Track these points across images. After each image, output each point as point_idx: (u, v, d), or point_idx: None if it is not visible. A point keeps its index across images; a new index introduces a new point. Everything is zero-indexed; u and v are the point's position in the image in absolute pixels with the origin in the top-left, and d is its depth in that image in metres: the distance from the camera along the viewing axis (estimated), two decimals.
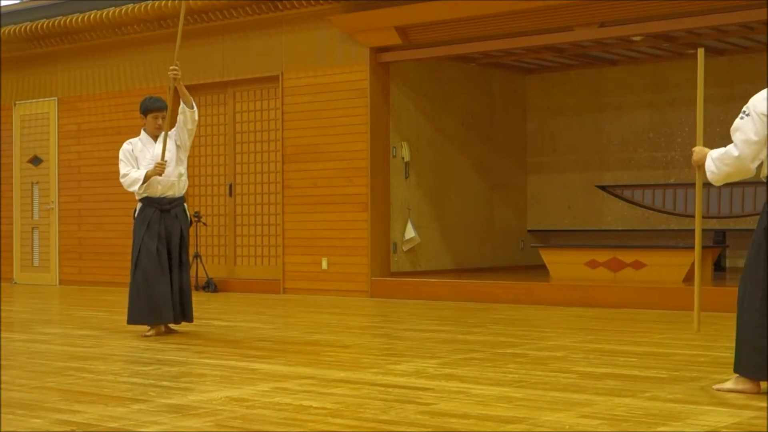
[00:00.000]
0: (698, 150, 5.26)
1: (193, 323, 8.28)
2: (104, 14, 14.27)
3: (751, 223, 12.85)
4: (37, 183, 15.77)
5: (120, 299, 12.37)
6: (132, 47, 14.55)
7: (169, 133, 8.14)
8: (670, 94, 14.04)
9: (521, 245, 15.05)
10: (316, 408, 4.72)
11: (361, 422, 4.38)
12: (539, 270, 13.09)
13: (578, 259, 11.86)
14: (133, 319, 7.97)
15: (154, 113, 8.10)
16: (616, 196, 14.46)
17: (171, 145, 8.11)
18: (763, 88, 5.10)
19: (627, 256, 11.50)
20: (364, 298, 12.12)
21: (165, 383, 5.58)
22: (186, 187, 8.25)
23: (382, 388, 5.28)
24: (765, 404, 4.71)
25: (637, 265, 11.38)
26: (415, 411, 4.60)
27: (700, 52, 5.43)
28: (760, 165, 4.97)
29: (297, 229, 12.90)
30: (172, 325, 8.10)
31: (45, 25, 14.94)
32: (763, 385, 5.00)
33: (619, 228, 14.45)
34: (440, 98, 13.64)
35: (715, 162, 5.06)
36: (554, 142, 15.07)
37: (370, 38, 12.27)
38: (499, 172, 14.72)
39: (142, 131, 8.21)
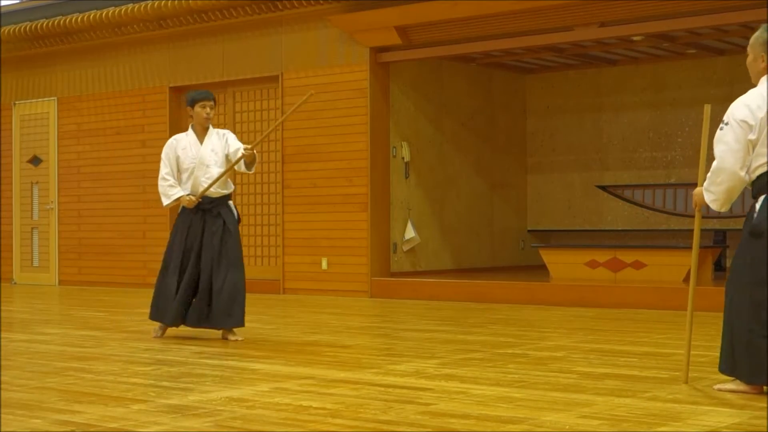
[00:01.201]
0: (696, 192, 5.28)
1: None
2: (104, 14, 14.26)
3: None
4: (37, 183, 15.76)
5: (120, 299, 12.38)
6: (132, 47, 14.55)
7: (230, 135, 7.88)
8: (670, 94, 14.03)
9: (521, 245, 15.05)
10: (315, 408, 4.72)
11: (361, 422, 4.37)
12: (539, 270, 13.09)
13: (578, 259, 11.86)
14: (156, 317, 7.84)
15: (202, 102, 7.76)
16: (616, 196, 14.45)
17: (219, 149, 7.79)
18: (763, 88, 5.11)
19: (627, 256, 11.49)
20: (364, 298, 12.12)
21: (165, 383, 5.58)
22: (231, 185, 7.97)
23: (382, 389, 5.27)
24: (765, 404, 4.71)
25: (638, 265, 11.38)
26: (415, 411, 4.59)
27: (707, 108, 5.44)
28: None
29: (297, 229, 12.89)
30: (229, 334, 7.70)
31: (45, 25, 14.94)
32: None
33: (620, 228, 14.45)
34: (440, 98, 13.64)
35: (710, 188, 5.07)
36: (554, 142, 15.07)
37: (370, 38, 12.27)
38: (499, 171, 14.72)
39: (190, 127, 7.90)
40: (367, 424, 4.35)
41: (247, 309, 7.84)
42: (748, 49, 5.19)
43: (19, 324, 9.31)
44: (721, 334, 5.13)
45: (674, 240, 13.64)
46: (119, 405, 4.83)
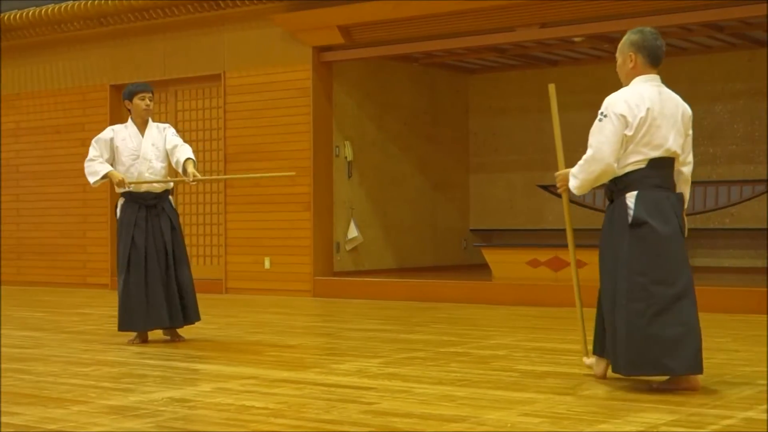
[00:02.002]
0: (560, 174, 5.54)
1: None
2: (43, 11, 14.08)
3: (706, 222, 13.05)
4: None
5: (60, 300, 12.25)
6: (72, 45, 14.38)
7: (170, 130, 7.79)
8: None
9: (464, 244, 15.11)
10: (258, 408, 4.71)
11: (304, 422, 4.37)
12: (482, 269, 13.15)
13: (520, 258, 11.93)
14: (125, 326, 7.48)
15: (140, 94, 7.64)
16: (558, 195, 14.54)
17: (160, 143, 7.70)
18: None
19: (568, 255, 11.55)
20: (307, 297, 12.10)
21: (105, 384, 5.53)
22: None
23: (325, 388, 5.27)
24: (703, 401, 4.77)
25: (578, 264, 11.44)
26: (357, 410, 4.60)
27: (551, 87, 5.61)
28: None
29: (239, 229, 12.84)
30: (174, 333, 7.64)
31: None
32: (700, 382, 5.06)
33: (561, 227, 14.50)
34: (383, 98, 13.65)
35: (579, 175, 5.28)
36: (496, 142, 15.14)
37: (313, 37, 12.25)
38: (442, 171, 14.77)
39: (129, 120, 7.77)
40: (310, 423, 4.35)
41: None
42: (617, 54, 5.41)
43: None
44: (595, 318, 5.27)
45: None
46: (59, 406, 4.78)
